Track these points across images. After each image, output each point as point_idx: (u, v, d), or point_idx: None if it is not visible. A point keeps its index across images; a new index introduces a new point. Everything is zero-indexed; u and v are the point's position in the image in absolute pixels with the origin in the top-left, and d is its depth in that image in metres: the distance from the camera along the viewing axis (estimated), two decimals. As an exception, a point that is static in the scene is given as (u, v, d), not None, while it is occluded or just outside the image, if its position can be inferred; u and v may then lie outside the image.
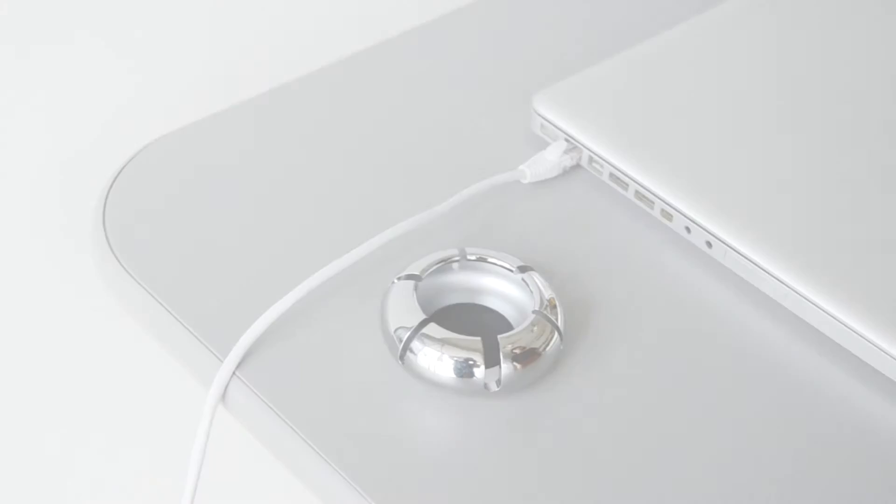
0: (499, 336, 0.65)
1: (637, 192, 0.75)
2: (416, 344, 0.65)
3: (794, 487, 0.64)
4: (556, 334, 0.66)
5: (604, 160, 0.75)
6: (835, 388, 0.68)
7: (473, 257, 0.69)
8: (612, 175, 0.75)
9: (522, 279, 0.68)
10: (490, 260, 0.69)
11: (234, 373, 0.67)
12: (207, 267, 0.72)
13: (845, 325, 0.68)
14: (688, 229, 0.73)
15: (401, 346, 0.65)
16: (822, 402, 0.68)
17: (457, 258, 0.69)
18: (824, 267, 0.70)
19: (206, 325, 0.69)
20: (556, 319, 0.67)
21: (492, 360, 0.64)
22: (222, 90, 0.87)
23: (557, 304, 0.67)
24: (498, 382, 0.65)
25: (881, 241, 0.72)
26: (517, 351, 0.65)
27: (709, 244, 0.72)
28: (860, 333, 0.67)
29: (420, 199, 0.75)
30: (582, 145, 0.76)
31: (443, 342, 0.65)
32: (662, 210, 0.74)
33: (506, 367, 0.65)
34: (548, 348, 0.66)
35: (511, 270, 0.69)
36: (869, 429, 0.67)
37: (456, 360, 0.64)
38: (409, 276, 0.68)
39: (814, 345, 0.70)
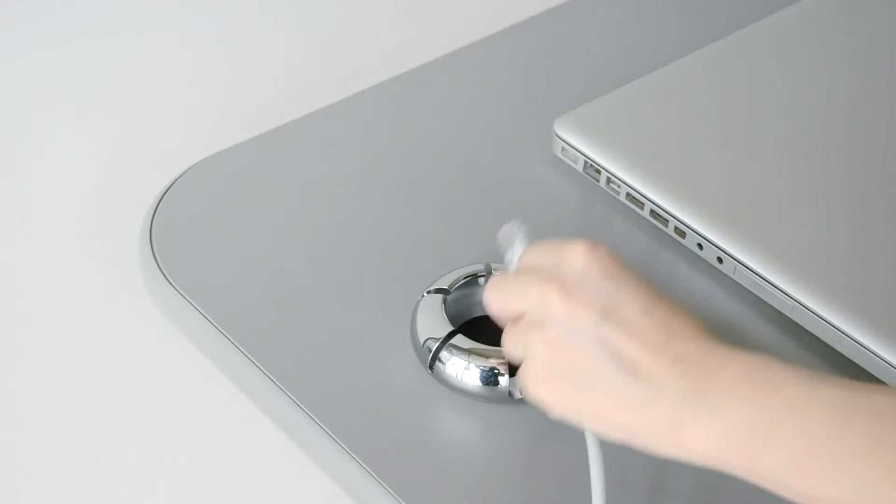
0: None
1: (652, 211, 0.77)
2: (444, 354, 0.67)
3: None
4: (576, 345, 0.69)
5: (621, 181, 0.78)
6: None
7: (498, 272, 0.71)
8: (628, 195, 0.78)
9: (544, 293, 0.71)
10: (514, 275, 0.72)
11: (272, 380, 0.69)
12: (248, 279, 0.75)
13: (849, 337, 0.70)
14: (700, 246, 0.75)
15: (430, 356, 0.68)
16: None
17: (483, 273, 0.72)
18: (829, 281, 0.72)
19: (247, 335, 0.71)
20: (576, 331, 0.69)
21: (516, 370, 0.66)
22: (264, 114, 0.89)
23: (577, 316, 0.70)
24: (521, 390, 0.67)
25: (884, 257, 0.74)
26: (539, 360, 0.67)
27: (720, 259, 0.75)
28: (863, 345, 0.69)
29: (447, 217, 0.78)
30: (600, 167, 0.79)
31: (469, 352, 0.67)
32: (676, 228, 0.76)
33: (529, 376, 0.67)
34: (568, 358, 0.68)
35: (533, 285, 0.72)
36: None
37: (482, 370, 0.67)
38: (438, 290, 0.70)
39: (819, 355, 0.72)
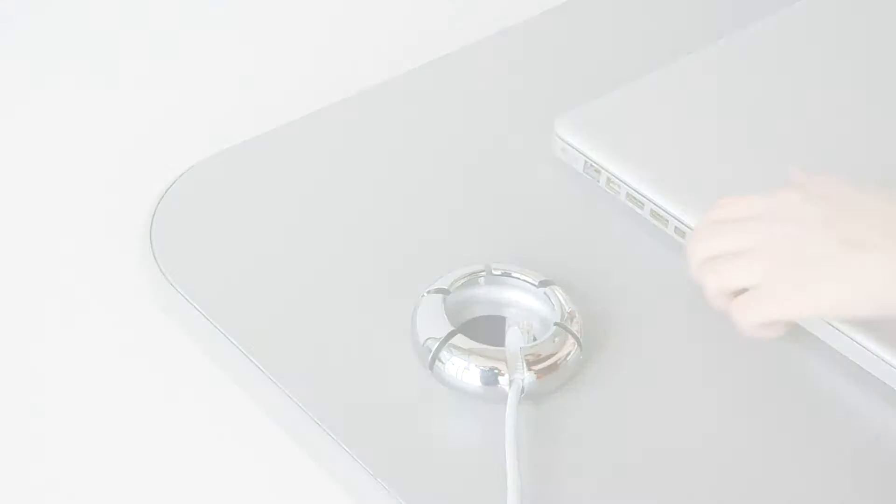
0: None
1: (652, 211, 0.77)
2: (444, 354, 0.67)
3: (801, 489, 0.66)
4: (577, 345, 0.69)
5: (621, 181, 0.78)
6: (839, 395, 0.70)
7: (498, 272, 0.72)
8: (628, 195, 0.78)
9: (544, 293, 0.71)
10: (514, 275, 0.72)
11: (272, 380, 0.69)
12: (248, 279, 0.75)
13: (849, 337, 0.70)
14: (700, 246, 0.76)
15: (430, 356, 0.68)
16: (827, 408, 0.70)
17: (483, 273, 0.72)
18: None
19: (246, 334, 0.71)
20: (577, 331, 0.69)
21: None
22: (263, 115, 0.89)
23: (577, 316, 0.70)
24: (521, 390, 0.67)
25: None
26: (540, 361, 0.67)
27: (720, 260, 0.75)
28: (863, 345, 0.70)
29: (447, 217, 0.78)
30: (600, 167, 0.79)
31: (469, 352, 0.67)
32: (676, 228, 0.76)
33: (529, 376, 0.67)
34: (568, 358, 0.68)
35: (534, 284, 0.71)
36: (870, 434, 0.69)
37: (482, 370, 0.67)
38: (438, 290, 0.70)
39: (819, 355, 0.72)
